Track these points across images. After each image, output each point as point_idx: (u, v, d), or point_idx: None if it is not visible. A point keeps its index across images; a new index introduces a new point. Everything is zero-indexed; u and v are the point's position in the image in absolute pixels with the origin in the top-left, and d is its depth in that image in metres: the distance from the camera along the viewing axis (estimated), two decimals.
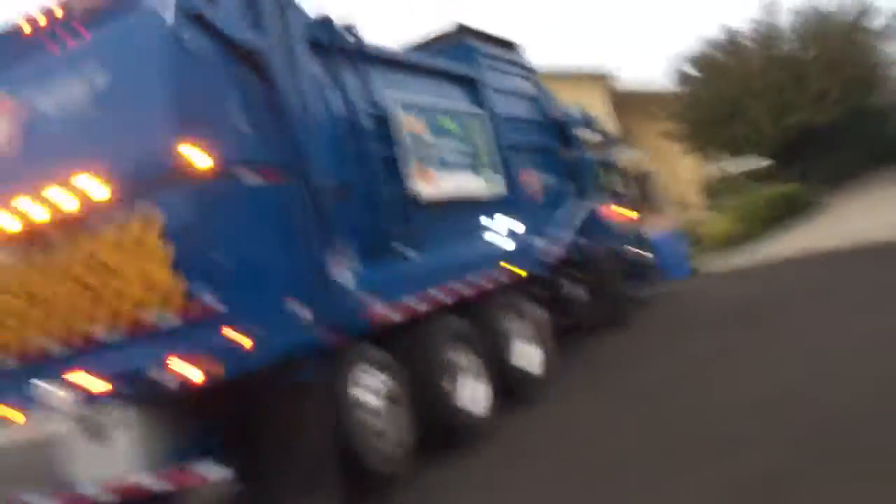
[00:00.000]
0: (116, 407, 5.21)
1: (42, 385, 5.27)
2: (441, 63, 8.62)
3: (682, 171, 33.56)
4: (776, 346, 7.47)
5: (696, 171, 33.86)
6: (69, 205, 5.10)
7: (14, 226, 5.29)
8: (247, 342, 4.84)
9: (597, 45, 73.02)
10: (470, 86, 8.85)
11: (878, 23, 22.98)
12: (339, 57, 6.60)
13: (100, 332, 5.15)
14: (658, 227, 23.68)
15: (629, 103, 33.19)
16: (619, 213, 12.38)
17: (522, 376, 7.77)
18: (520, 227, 8.83)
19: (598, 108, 32.99)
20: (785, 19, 23.90)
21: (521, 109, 9.95)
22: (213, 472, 5.10)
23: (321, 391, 5.48)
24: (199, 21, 5.21)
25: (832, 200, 21.24)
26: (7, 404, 5.45)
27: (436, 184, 7.34)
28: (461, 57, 8.98)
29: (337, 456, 5.38)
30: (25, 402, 5.35)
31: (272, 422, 5.46)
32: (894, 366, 5.89)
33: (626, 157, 31.19)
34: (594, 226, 10.75)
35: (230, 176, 5.10)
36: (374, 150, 6.62)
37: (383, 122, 6.87)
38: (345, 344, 5.67)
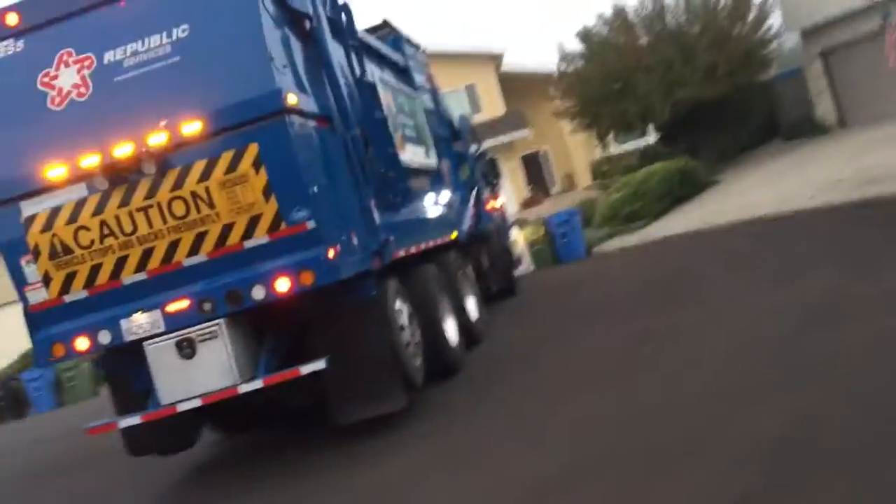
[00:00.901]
0: (205, 324, 6.35)
1: (136, 313, 6.38)
2: (392, 51, 10.28)
3: (573, 151, 33.65)
4: (690, 333, 7.70)
5: (586, 151, 34.00)
6: (156, 140, 6.21)
7: (101, 163, 6.28)
8: (332, 254, 6.29)
9: (489, 26, 73.14)
10: (405, 74, 10.58)
11: None
12: (347, 34, 7.96)
13: (189, 257, 6.35)
14: (551, 207, 23.41)
15: (521, 84, 33.11)
16: (493, 201, 15.10)
17: (471, 320, 10.13)
18: (449, 199, 10.96)
19: (490, 88, 32.85)
20: None
21: (429, 101, 11.87)
22: (306, 367, 6.41)
23: (378, 308, 7.10)
24: None
25: (723, 176, 21.77)
26: (90, 334, 6.49)
27: (406, 151, 9.01)
28: (394, 48, 10.54)
29: (395, 364, 7.03)
30: (117, 331, 6.44)
31: (339, 334, 6.86)
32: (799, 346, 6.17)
33: (516, 137, 31.02)
34: (481, 210, 13.26)
35: (305, 116, 6.56)
36: (376, 115, 8.20)
37: (375, 92, 8.41)
38: (382, 271, 7.33)
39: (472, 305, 10.48)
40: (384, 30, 10.65)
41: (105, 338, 6.44)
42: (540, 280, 16.55)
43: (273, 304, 6.35)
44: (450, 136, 12.59)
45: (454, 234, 10.69)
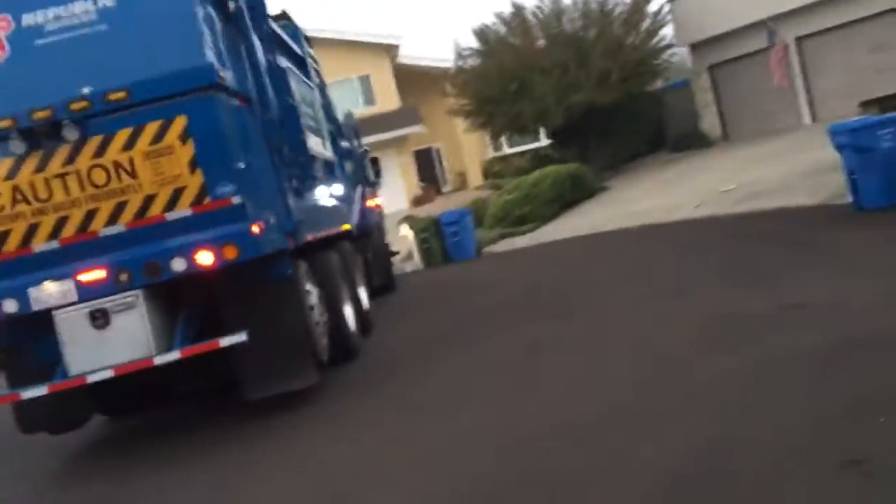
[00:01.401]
0: (121, 294, 6.54)
1: (47, 281, 6.50)
2: (292, 42, 10.64)
3: (466, 150, 34.40)
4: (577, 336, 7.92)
5: (479, 150, 34.79)
6: (79, 106, 6.38)
7: (17, 126, 6.40)
8: (256, 230, 6.58)
9: (384, 15, 73.32)
10: (302, 66, 10.93)
11: (654, 7, 24.58)
12: (261, 19, 8.28)
13: (106, 226, 6.53)
14: (442, 205, 23.96)
15: (416, 78, 33.55)
16: (373, 199, 16.05)
17: (364, 309, 10.85)
18: (342, 192, 11.61)
19: (385, 80, 33.17)
20: None
21: (319, 95, 12.28)
22: (225, 340, 6.70)
23: (293, 287, 7.45)
24: None
25: (612, 182, 22.94)
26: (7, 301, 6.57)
27: (310, 140, 9.41)
28: (293, 37, 10.89)
29: (307, 342, 7.44)
30: (24, 299, 6.55)
31: (254, 310, 7.10)
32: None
33: (409, 132, 31.51)
34: (364, 207, 14.14)
35: (230, 94, 6.85)
36: (288, 100, 8.51)
37: (286, 78, 8.71)
38: (293, 253, 7.70)
39: (364, 295, 11.13)
40: (283, 20, 11.05)
41: (11, 306, 6.52)
42: (428, 279, 17.01)
43: (191, 277, 6.62)
44: (336, 131, 13.23)
45: (347, 226, 11.26)
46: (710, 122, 26.62)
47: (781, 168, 16.21)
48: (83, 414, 8.03)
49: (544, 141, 31.69)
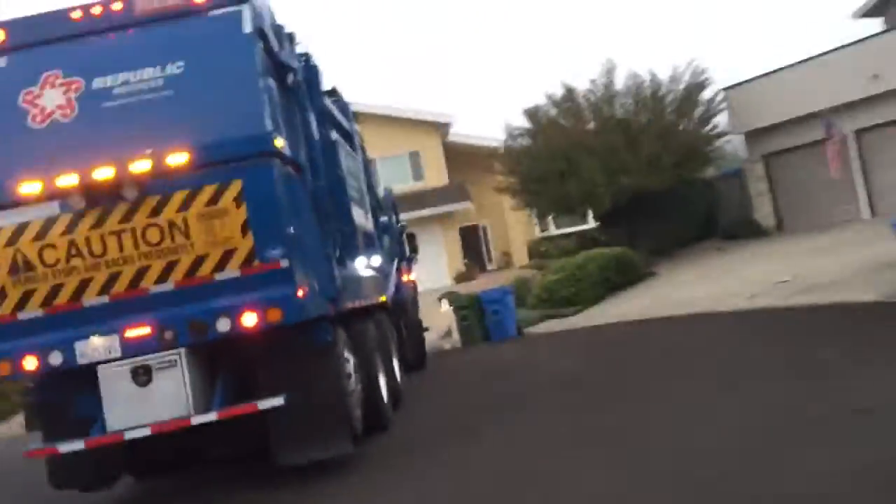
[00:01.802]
0: (164, 353, 6.78)
1: (94, 336, 6.78)
2: (341, 115, 11.17)
3: (512, 228, 34.66)
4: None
5: (526, 230, 35.05)
6: (140, 167, 6.74)
7: (80, 184, 6.74)
8: (301, 294, 6.84)
9: (436, 93, 75.09)
10: (349, 140, 11.41)
11: (708, 95, 24.85)
12: (316, 93, 8.77)
13: (156, 284, 6.82)
14: (485, 283, 24.07)
15: (465, 155, 34.10)
16: (407, 274, 16.35)
17: (397, 381, 11.05)
18: (380, 264, 11.84)
19: (434, 156, 33.79)
20: (622, 82, 25.36)
21: (363, 169, 12.78)
22: (264, 403, 6.91)
23: (332, 353, 7.64)
24: (261, 35, 7.30)
25: (659, 268, 23.10)
26: (41, 354, 6.84)
27: (354, 210, 9.76)
28: (342, 113, 11.38)
29: (343, 410, 7.56)
30: (69, 352, 6.80)
31: (293, 375, 7.28)
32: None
33: (457, 209, 31.89)
34: (399, 281, 14.45)
35: (284, 161, 7.17)
36: (337, 172, 8.94)
37: (336, 150, 9.17)
38: (333, 320, 7.91)
39: (397, 368, 11.30)
40: (333, 95, 11.57)
41: (56, 359, 6.77)
42: (465, 357, 17.00)
43: (232, 338, 6.83)
44: (377, 205, 13.61)
45: (383, 297, 11.51)
46: (763, 212, 26.65)
47: (840, 262, 16.10)
48: (116, 472, 8.17)
49: (592, 223, 31.88)
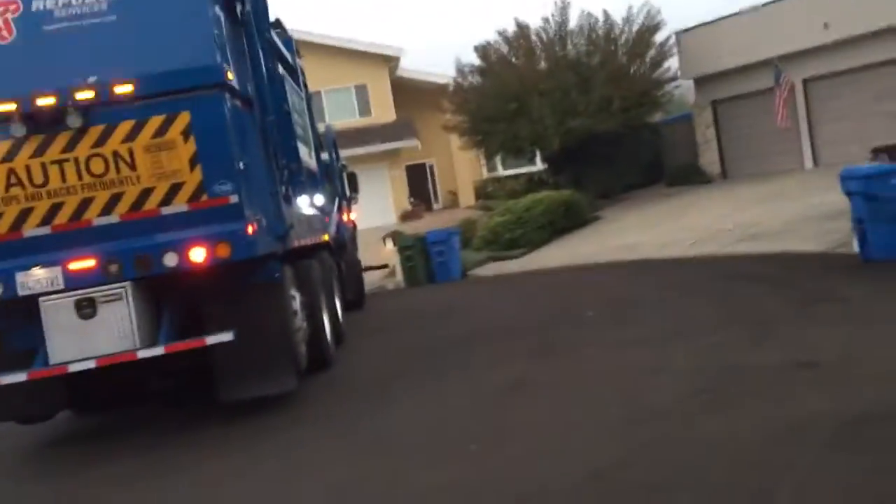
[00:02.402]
0: (110, 286, 6.80)
1: (36, 267, 6.76)
2: (285, 49, 11.00)
3: (459, 168, 34.74)
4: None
5: (473, 170, 35.13)
6: (84, 95, 6.66)
7: (20, 110, 6.64)
8: (251, 230, 6.89)
9: (387, 26, 74.00)
10: (294, 75, 11.33)
11: (661, 37, 25.05)
12: (263, 25, 8.61)
13: (100, 216, 6.80)
14: (431, 223, 24.17)
15: (413, 91, 33.89)
16: (348, 214, 16.65)
17: (339, 320, 11.31)
18: (323, 203, 11.98)
19: (382, 91, 33.54)
20: (575, 21, 25.42)
21: (306, 105, 12.76)
22: (212, 338, 6.96)
23: (280, 290, 7.74)
24: None
25: (605, 212, 23.30)
26: None
27: (301, 148, 9.77)
28: (286, 47, 11.27)
29: (289, 347, 7.67)
30: (10, 283, 6.78)
31: (240, 311, 7.35)
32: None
33: (404, 146, 31.81)
34: (339, 221, 14.67)
35: (234, 94, 7.14)
36: (284, 107, 8.87)
37: (283, 85, 9.16)
38: (282, 256, 8.01)
39: (339, 307, 11.50)
40: (277, 28, 11.48)
41: None
42: (408, 298, 17.16)
43: (179, 273, 6.87)
44: (318, 143, 13.65)
45: (326, 237, 11.65)
46: (709, 159, 27.10)
47: (783, 210, 16.44)
48: (56, 406, 8.19)
49: (539, 165, 32.10)
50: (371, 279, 19.82)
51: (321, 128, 15.11)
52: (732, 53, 24.63)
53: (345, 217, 15.90)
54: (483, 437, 6.09)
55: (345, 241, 15.08)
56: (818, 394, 5.72)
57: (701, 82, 26.81)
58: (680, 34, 26.68)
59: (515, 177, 33.93)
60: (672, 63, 27.06)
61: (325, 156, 14.32)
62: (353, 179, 17.19)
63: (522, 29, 27.27)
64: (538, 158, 31.33)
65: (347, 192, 16.73)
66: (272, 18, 11.27)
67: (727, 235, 15.42)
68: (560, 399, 6.82)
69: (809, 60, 23.03)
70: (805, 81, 23.66)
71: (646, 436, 5.46)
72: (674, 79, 27.22)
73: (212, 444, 7.00)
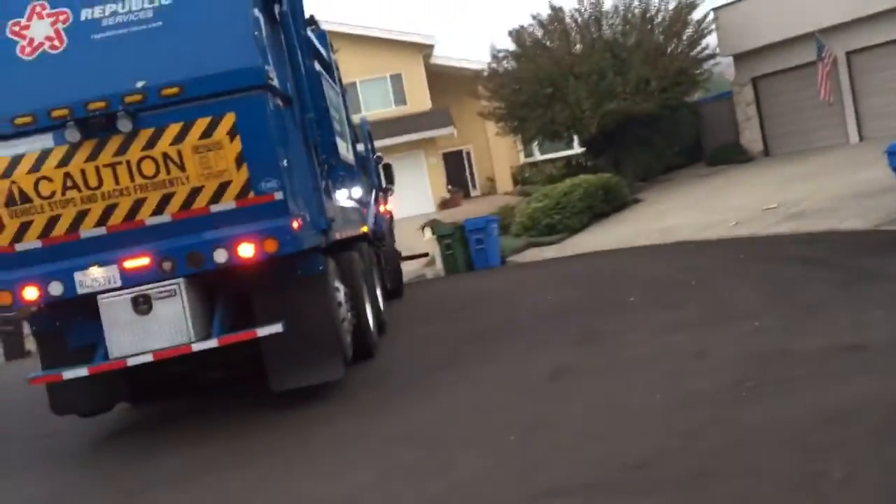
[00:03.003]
0: (164, 282, 7.19)
1: (93, 266, 7.17)
2: (321, 47, 11.29)
3: (496, 154, 34.90)
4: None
5: (510, 155, 35.28)
6: (133, 99, 7.03)
7: (73, 116, 7.02)
8: (296, 225, 7.26)
9: (420, 14, 74.17)
10: (329, 69, 11.58)
11: (698, 14, 25.00)
12: (300, 23, 8.92)
13: (153, 216, 7.18)
14: (470, 210, 24.37)
15: (448, 79, 34.12)
16: (384, 205, 17.01)
17: (381, 310, 11.66)
18: (361, 195, 12.35)
19: (417, 80, 33.81)
20: (610, 2, 25.47)
21: (341, 100, 13.06)
22: (262, 330, 7.35)
23: (325, 282, 8.08)
24: None
25: (645, 195, 23.53)
26: (41, 284, 7.23)
27: (339, 143, 10.09)
28: (321, 43, 11.54)
29: (335, 336, 8.03)
30: (69, 282, 7.20)
31: (288, 303, 7.75)
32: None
33: (440, 134, 32.02)
34: (376, 212, 15.03)
35: (275, 94, 7.48)
36: (322, 103, 9.14)
37: (320, 82, 9.38)
38: (325, 249, 8.42)
39: (380, 297, 11.92)
40: (312, 25, 11.78)
41: (56, 289, 7.18)
42: (448, 286, 17.36)
43: (229, 268, 7.25)
44: (353, 137, 13.96)
45: (365, 228, 12.05)
46: (750, 137, 27.03)
47: (828, 187, 16.38)
48: (114, 398, 8.69)
49: (577, 149, 32.17)
50: (410, 268, 20.14)
51: (356, 120, 15.46)
52: (772, 28, 24.51)
53: (381, 208, 16.26)
54: (526, 426, 6.22)
55: (383, 232, 15.45)
56: (866, 377, 5.74)
57: (740, 59, 26.71)
58: (717, 10, 26.57)
59: (553, 161, 34.02)
60: (710, 40, 26.99)
61: (360, 148, 14.67)
62: (388, 170, 17.57)
63: (556, 12, 27.34)
64: (576, 142, 31.42)
65: (383, 184, 17.11)
66: (307, 16, 11.65)
67: (770, 215, 15.46)
68: (604, 386, 6.92)
69: (852, 32, 22.85)
70: (848, 54, 23.47)
71: (693, 422, 5.53)
72: (712, 56, 27.13)
73: (262, 437, 7.34)
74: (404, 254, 19.03)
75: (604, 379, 7.16)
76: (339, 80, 13.23)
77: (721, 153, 27.35)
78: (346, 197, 10.69)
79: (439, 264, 19.95)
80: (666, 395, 6.26)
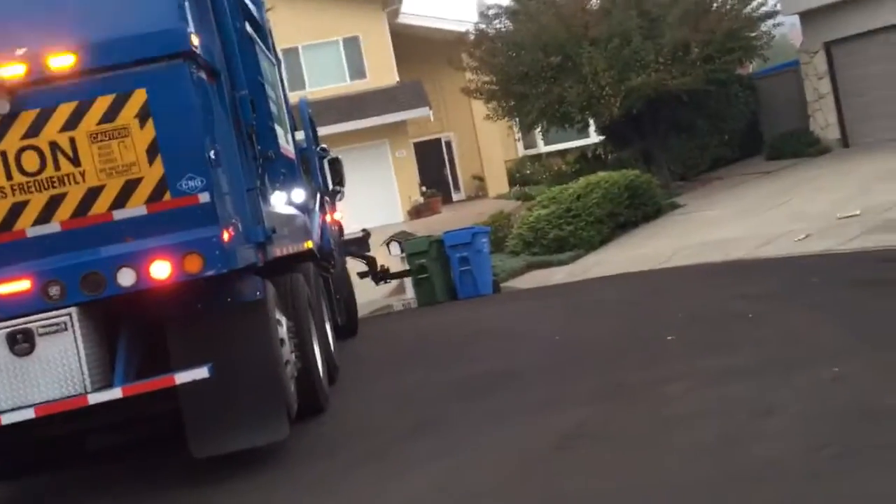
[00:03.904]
0: (50, 313, 7.16)
1: None
2: (251, 2, 11.30)
3: (486, 144, 35.02)
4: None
5: (504, 145, 35.42)
6: (11, 72, 7.02)
7: None
8: (226, 237, 7.24)
9: None
10: (263, 35, 11.59)
11: None
12: None
13: (36, 225, 7.19)
14: (451, 220, 24.48)
15: (421, 45, 34.15)
16: (332, 213, 17.13)
17: (331, 350, 11.75)
18: (303, 200, 12.29)
19: (379, 45, 33.89)
20: None
21: (277, 73, 13.24)
22: (183, 375, 7.29)
23: (264, 314, 8.14)
24: None
25: (685, 198, 23.75)
26: None
27: (277, 130, 10.21)
28: (253, 2, 11.66)
29: (277, 385, 8.10)
30: None
31: (214, 340, 7.80)
32: None
33: (411, 117, 32.15)
34: (322, 223, 14.99)
35: (199, 65, 7.53)
36: (257, 78, 9.26)
37: (254, 49, 9.57)
38: (262, 270, 8.45)
39: (330, 334, 11.95)
40: None
41: None
42: (423, 322, 17.25)
43: (139, 294, 7.28)
44: (292, 123, 14.03)
45: (309, 243, 11.97)
46: (823, 121, 27.19)
47: None
48: None
49: (594, 137, 32.34)
50: (371, 297, 20.18)
51: (292, 100, 15.49)
52: None
53: (328, 217, 16.29)
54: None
55: (331, 249, 15.43)
56: None
57: (809, 18, 26.91)
58: None
59: (562, 154, 34.19)
60: None
61: (300, 137, 14.85)
62: (337, 167, 17.61)
63: None
64: (592, 128, 31.57)
65: (330, 185, 17.14)
66: None
67: (851, 225, 15.54)
68: (634, 455, 6.83)
69: None
70: None
71: (757, 501, 5.54)
72: (772, 15, 27.35)
73: None
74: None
75: (633, 447, 7.06)
76: (274, 47, 13.34)
77: (785, 143, 27.53)
78: (286, 202, 10.78)
79: (410, 292, 19.98)
80: (717, 468, 6.21)
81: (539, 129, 33.04)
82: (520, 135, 35.52)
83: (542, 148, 36.34)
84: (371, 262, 19.66)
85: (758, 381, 8.08)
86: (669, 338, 10.65)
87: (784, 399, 7.44)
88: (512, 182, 34.71)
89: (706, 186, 26.22)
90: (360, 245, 19.29)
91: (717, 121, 28.00)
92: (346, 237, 18.60)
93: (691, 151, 27.79)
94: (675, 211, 23.38)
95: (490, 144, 35.58)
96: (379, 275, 19.81)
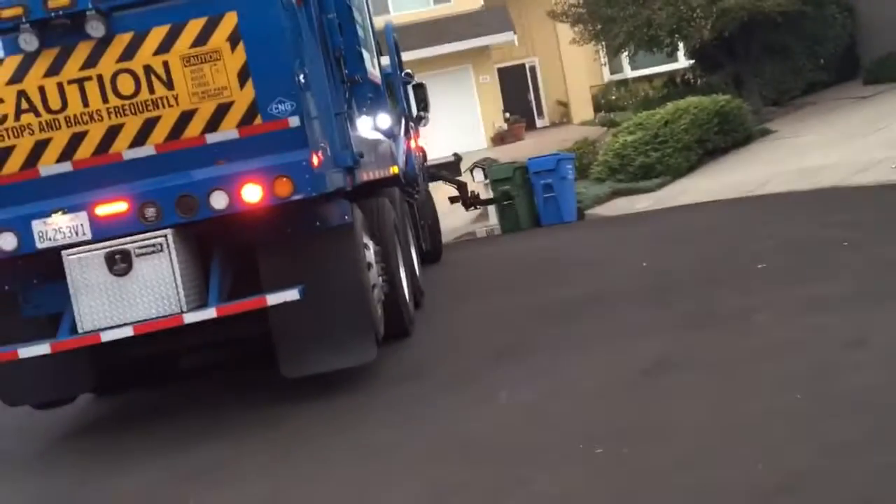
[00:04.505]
0: (146, 234, 7.42)
1: (56, 213, 7.37)
2: None
3: (571, 69, 34.86)
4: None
5: (590, 70, 35.22)
6: None
7: (29, 15, 7.16)
8: (316, 161, 7.41)
9: None
10: None
11: None
12: None
13: (132, 147, 7.46)
14: (535, 147, 24.60)
15: None
16: (416, 139, 17.28)
17: (416, 275, 12.00)
18: (389, 126, 12.60)
19: None
20: None
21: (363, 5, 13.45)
22: (275, 297, 7.53)
23: (353, 238, 8.31)
24: None
25: (778, 124, 23.34)
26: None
27: (364, 55, 10.28)
28: None
29: (366, 308, 8.28)
30: (26, 234, 7.41)
31: (305, 264, 8.02)
32: None
33: (495, 41, 32.10)
34: (407, 149, 15.28)
35: None
36: (343, 3, 9.38)
37: None
38: (350, 194, 8.69)
39: (415, 259, 12.16)
40: None
41: (9, 243, 7.46)
42: (507, 248, 17.55)
43: (230, 217, 7.53)
44: (378, 48, 14.08)
45: (395, 169, 12.26)
46: None
47: None
48: (81, 385, 8.98)
49: (683, 62, 32.05)
50: (454, 224, 20.42)
51: (378, 24, 15.59)
52: None
53: (413, 143, 16.48)
54: (617, 437, 6.20)
55: (415, 175, 15.67)
56: None
57: None
58: None
59: (650, 79, 33.92)
60: None
61: (385, 62, 14.89)
62: (421, 93, 17.69)
63: None
64: (681, 52, 31.27)
65: (414, 111, 17.27)
66: None
67: None
68: (722, 384, 6.89)
69: None
70: None
71: (850, 433, 5.47)
72: None
73: (268, 441, 7.60)
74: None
75: (722, 374, 7.14)
76: None
77: (883, 67, 27.03)
78: (373, 126, 10.93)
79: (494, 219, 20.18)
80: (811, 397, 6.22)
81: (626, 54, 32.81)
82: (606, 59, 35.22)
83: (629, 73, 36.05)
84: (462, 186, 19.94)
85: (851, 311, 8.05)
86: (760, 266, 10.68)
87: (880, 329, 7.40)
88: (597, 108, 34.61)
89: (799, 112, 25.89)
90: (451, 169, 19.47)
91: (813, 43, 27.58)
92: (436, 161, 18.76)
93: (784, 76, 27.43)
94: (767, 137, 23.18)
95: (575, 70, 35.43)
96: (469, 200, 20.12)
